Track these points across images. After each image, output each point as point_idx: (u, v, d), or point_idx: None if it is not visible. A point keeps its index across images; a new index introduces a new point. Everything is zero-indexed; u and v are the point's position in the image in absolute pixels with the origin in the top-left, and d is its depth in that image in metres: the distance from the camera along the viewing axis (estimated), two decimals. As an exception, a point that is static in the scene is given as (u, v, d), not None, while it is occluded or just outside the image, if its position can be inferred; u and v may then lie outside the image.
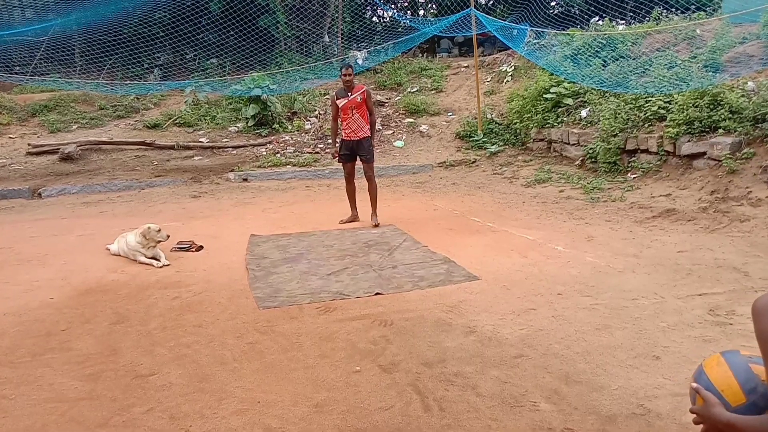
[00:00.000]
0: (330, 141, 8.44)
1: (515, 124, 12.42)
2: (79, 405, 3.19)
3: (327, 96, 15.40)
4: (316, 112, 14.67)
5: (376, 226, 7.25)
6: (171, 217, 8.13)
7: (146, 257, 5.92)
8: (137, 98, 14.76)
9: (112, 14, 12.54)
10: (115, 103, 14.44)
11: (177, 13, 14.09)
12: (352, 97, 7.28)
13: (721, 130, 7.97)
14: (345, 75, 7.22)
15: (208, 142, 13.08)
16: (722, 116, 8.00)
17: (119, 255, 6.15)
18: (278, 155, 12.39)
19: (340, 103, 7.33)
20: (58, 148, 11.85)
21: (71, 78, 14.22)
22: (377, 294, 4.85)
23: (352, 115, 7.32)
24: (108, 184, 10.59)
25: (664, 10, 12.06)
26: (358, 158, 7.52)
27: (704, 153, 8.03)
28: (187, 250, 6.37)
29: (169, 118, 13.89)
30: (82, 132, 12.97)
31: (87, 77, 14.59)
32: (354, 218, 7.63)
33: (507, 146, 12.33)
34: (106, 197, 9.93)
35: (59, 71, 14.83)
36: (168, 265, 5.86)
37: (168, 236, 6.06)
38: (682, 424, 2.87)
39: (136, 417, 3.07)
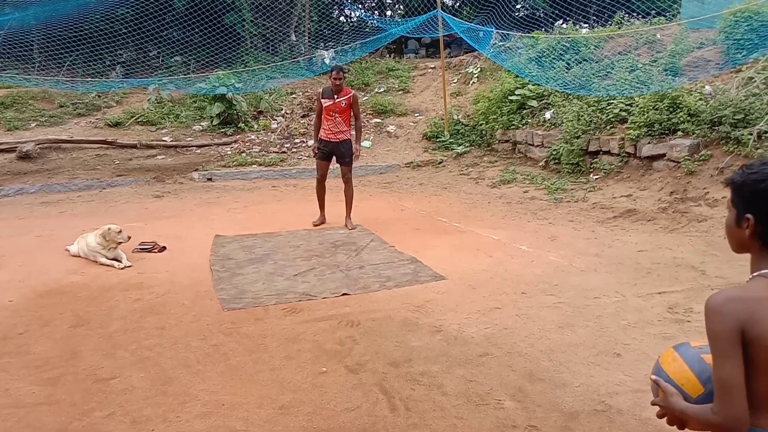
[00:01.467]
0: (306, 140, 8.20)
1: (481, 125, 12.54)
2: (37, 410, 3.11)
3: (294, 95, 15.32)
4: (283, 111, 14.57)
5: (353, 229, 7.19)
6: (133, 217, 7.97)
7: (107, 258, 5.79)
8: (99, 96, 14.41)
9: (73, 10, 12.21)
10: (76, 100, 14.08)
11: (140, 9, 13.80)
12: (337, 100, 7.14)
13: (680, 133, 8.19)
14: (335, 78, 7.07)
15: (171, 141, 12.86)
16: (681, 119, 8.22)
17: (79, 256, 6.00)
18: (244, 154, 12.25)
19: (325, 103, 7.19)
20: (16, 147, 11.49)
21: (29, 74, 13.81)
22: (344, 294, 4.85)
23: (335, 117, 7.21)
24: (68, 184, 10.32)
25: (626, 15, 12.33)
26: (334, 160, 7.43)
27: (664, 154, 8.24)
28: (149, 251, 6.25)
29: (132, 117, 13.60)
30: (41, 130, 12.61)
31: (46, 74, 14.16)
32: (323, 220, 7.56)
33: (473, 147, 12.44)
34: (66, 197, 9.68)
35: (16, 67, 14.38)
36: (130, 266, 5.75)
37: (129, 237, 5.94)
38: (642, 419, 2.94)
39: (97, 422, 3.00)
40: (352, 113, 7.32)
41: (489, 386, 3.31)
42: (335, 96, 7.15)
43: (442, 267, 5.53)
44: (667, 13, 11.95)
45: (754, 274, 1.52)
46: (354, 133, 7.51)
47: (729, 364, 1.38)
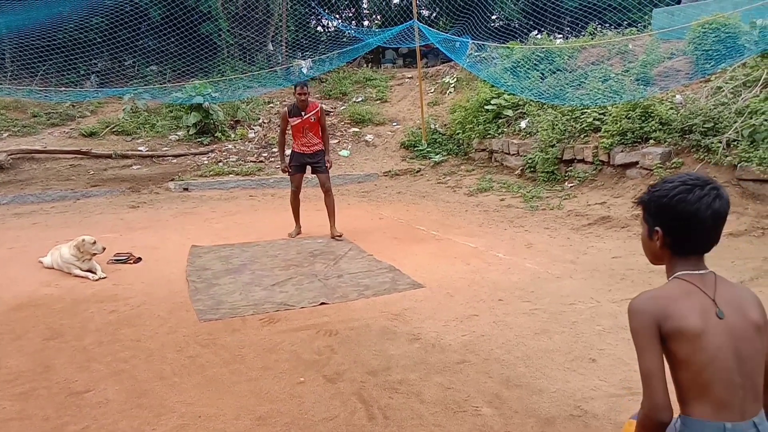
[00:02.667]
0: (278, 154, 7.84)
1: (458, 134, 12.64)
2: (8, 426, 3.05)
3: (271, 105, 15.30)
4: (260, 121, 14.53)
5: (340, 236, 7.15)
6: (108, 228, 7.88)
7: (81, 270, 5.71)
8: (73, 106, 14.24)
9: (46, 19, 12.07)
10: (49, 110, 13.89)
11: (115, 18, 13.70)
12: (305, 117, 7.07)
13: (652, 141, 8.34)
14: (299, 94, 6.99)
15: (147, 150, 12.74)
16: (653, 127, 8.38)
17: (53, 268, 5.91)
18: (221, 164, 12.19)
19: (293, 121, 7.12)
20: (-13, 157, 11.29)
21: (1, 83, 13.59)
22: (322, 304, 4.84)
23: (306, 134, 7.15)
24: (41, 195, 10.17)
25: (599, 26, 12.56)
26: (308, 170, 7.36)
27: (636, 162, 8.39)
28: (124, 262, 6.18)
29: (107, 126, 13.46)
30: (13, 140, 12.41)
31: (19, 83, 13.96)
32: (299, 232, 7.44)
33: (450, 156, 12.54)
34: (40, 208, 9.53)
35: (-13, 76, 14.17)
36: (105, 278, 5.68)
37: (104, 248, 5.87)
38: (617, 423, 2.98)
39: (70, 436, 2.96)
40: (320, 126, 7.24)
41: (466, 393, 3.33)
42: (302, 113, 7.07)
43: (420, 275, 5.56)
44: (639, 24, 12.22)
45: (670, 277, 1.67)
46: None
47: (648, 357, 1.54)
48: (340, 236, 7.15)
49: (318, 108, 7.21)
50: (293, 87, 7.38)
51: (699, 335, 1.52)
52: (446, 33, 13.99)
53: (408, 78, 17.25)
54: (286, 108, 7.37)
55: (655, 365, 1.53)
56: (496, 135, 11.59)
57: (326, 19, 20.73)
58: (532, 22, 13.70)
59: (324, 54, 15.74)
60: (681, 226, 1.61)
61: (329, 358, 3.82)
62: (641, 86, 9.40)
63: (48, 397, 3.36)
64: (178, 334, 4.27)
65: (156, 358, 3.86)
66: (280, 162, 7.69)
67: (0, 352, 3.99)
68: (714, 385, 1.52)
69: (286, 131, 7.40)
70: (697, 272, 1.62)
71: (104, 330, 4.38)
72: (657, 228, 1.66)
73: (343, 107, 15.59)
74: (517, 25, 15.89)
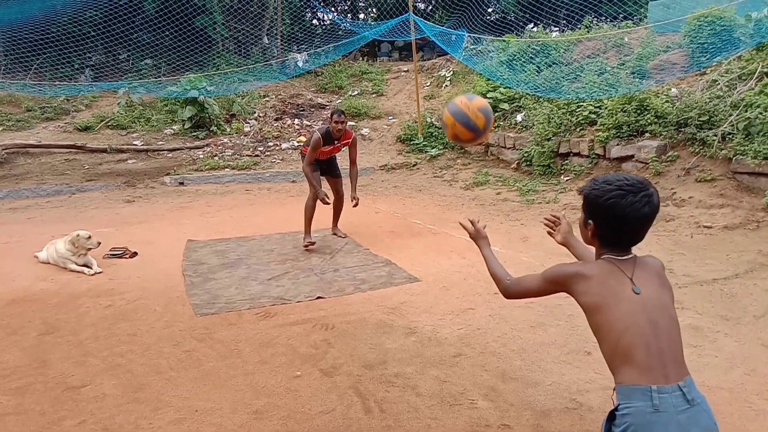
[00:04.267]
0: (314, 184, 6.42)
1: (454, 127, 12.62)
2: (5, 420, 3.05)
3: (266, 98, 15.23)
4: (256, 114, 14.49)
5: (344, 236, 6.92)
6: (104, 222, 7.86)
7: (77, 265, 5.70)
8: (67, 100, 14.18)
9: (39, 12, 11.99)
10: (44, 104, 13.82)
11: (109, 12, 13.62)
12: (338, 144, 6.54)
13: (647, 134, 8.36)
14: (337, 122, 6.28)
15: (142, 144, 12.70)
16: (648, 121, 8.39)
17: (49, 263, 5.90)
18: (216, 158, 12.16)
19: (324, 148, 6.47)
20: (-19, 152, 11.24)
21: (-6, 78, 13.55)
22: (319, 298, 4.85)
23: (329, 155, 6.73)
24: (36, 189, 10.14)
25: (595, 19, 12.55)
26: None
27: (632, 156, 8.40)
28: (120, 257, 6.17)
29: (102, 121, 13.40)
30: (7, 134, 12.34)
31: (12, 77, 13.90)
32: (313, 242, 6.49)
33: (447, 149, 12.52)
34: (35, 203, 9.50)
35: (-20, 70, 14.09)
36: (100, 272, 5.67)
37: (99, 243, 5.85)
38: (611, 416, 2.99)
39: (67, 430, 2.96)
40: (349, 158, 6.70)
41: (462, 386, 3.34)
42: (335, 141, 6.47)
43: (416, 269, 5.57)
44: (635, 17, 12.20)
45: (597, 258, 1.94)
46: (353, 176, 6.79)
47: (538, 286, 2.01)
48: (344, 236, 6.94)
49: (352, 138, 6.62)
50: (329, 114, 6.49)
51: (617, 308, 1.73)
52: (442, 26, 13.97)
53: (404, 71, 17.22)
54: (319, 135, 6.35)
55: (534, 290, 2.05)
56: (492, 129, 11.58)
57: (322, 12, 20.68)
58: (528, 16, 13.69)
59: (319, 47, 15.70)
60: (610, 225, 1.83)
61: (326, 352, 3.83)
62: (637, 79, 9.41)
63: (44, 391, 3.36)
64: (174, 329, 4.27)
65: (152, 353, 3.87)
66: (315, 192, 6.36)
67: (-4, 347, 3.99)
68: (633, 350, 1.69)
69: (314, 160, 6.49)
70: (619, 257, 1.85)
71: (100, 325, 4.38)
72: (590, 221, 1.88)
73: (339, 101, 15.56)
74: (513, 19, 15.85)
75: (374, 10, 20.98)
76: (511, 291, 2.13)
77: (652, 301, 1.76)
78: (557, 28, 15.65)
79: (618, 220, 1.79)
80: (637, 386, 1.66)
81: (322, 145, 6.40)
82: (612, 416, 1.72)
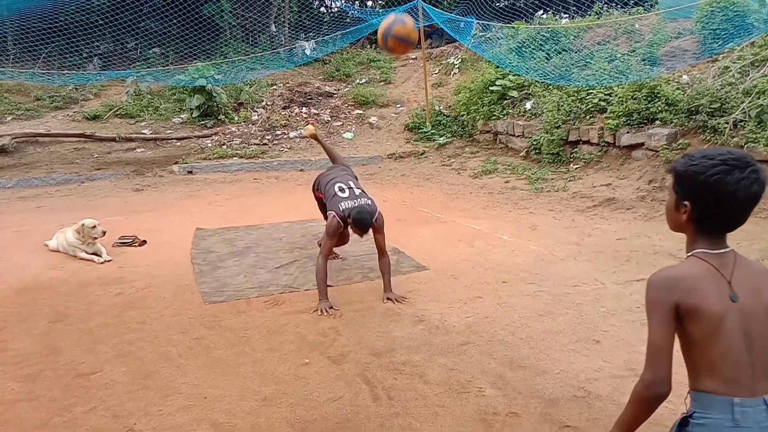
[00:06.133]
0: (321, 289, 4.55)
1: (462, 116, 12.57)
2: (17, 407, 3.08)
3: (274, 87, 15.19)
4: (264, 103, 14.46)
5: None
6: (113, 211, 7.89)
7: (87, 253, 5.74)
8: (76, 89, 14.20)
9: (47, 1, 11.98)
10: (53, 93, 13.86)
11: (117, 0, 13.59)
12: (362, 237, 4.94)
13: (658, 122, 8.28)
14: (356, 233, 4.76)
15: (150, 133, 12.72)
16: (659, 108, 8.30)
17: (58, 251, 5.94)
18: (224, 147, 12.16)
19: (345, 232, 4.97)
20: (-9, 141, 11.30)
21: (4, 67, 13.53)
22: (327, 286, 4.84)
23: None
24: (46, 178, 10.19)
25: (605, 5, 12.41)
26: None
27: (642, 144, 8.33)
28: (129, 245, 6.20)
29: (110, 109, 13.43)
30: (17, 124, 12.40)
31: (21, 66, 13.91)
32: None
33: (455, 138, 12.47)
34: (44, 191, 9.55)
35: (-10, 59, 14.12)
36: (110, 260, 5.70)
37: (105, 232, 5.84)
38: (620, 404, 2.97)
39: (78, 417, 2.98)
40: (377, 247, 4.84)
41: (470, 374, 3.34)
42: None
43: (424, 257, 5.56)
44: (645, 3, 12.04)
45: (688, 254, 1.67)
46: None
47: (661, 332, 1.54)
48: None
49: (377, 226, 4.80)
50: (351, 218, 4.66)
51: (713, 317, 1.52)
52: (450, 13, 13.85)
53: (412, 59, 17.09)
54: (338, 221, 4.72)
55: (666, 341, 1.54)
56: (501, 116, 11.52)
57: (329, -1, 20.55)
58: (537, 2, 13.53)
59: (327, 35, 15.61)
60: (713, 206, 1.57)
61: (334, 340, 3.84)
62: (647, 66, 9.31)
63: (55, 378, 3.39)
64: (183, 316, 4.29)
65: (161, 340, 3.89)
66: (319, 300, 4.48)
67: (6, 335, 4.02)
68: (723, 363, 1.52)
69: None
70: (716, 251, 1.60)
71: (110, 312, 4.40)
72: (686, 202, 1.61)
73: (346, 89, 15.51)
74: (522, 5, 15.69)
75: (382, -3, 20.82)
76: (657, 374, 1.56)
77: (749, 309, 1.54)
78: (567, 15, 15.46)
79: (723, 200, 1.54)
80: (719, 397, 1.51)
81: (341, 231, 4.85)
82: (685, 422, 1.57)
